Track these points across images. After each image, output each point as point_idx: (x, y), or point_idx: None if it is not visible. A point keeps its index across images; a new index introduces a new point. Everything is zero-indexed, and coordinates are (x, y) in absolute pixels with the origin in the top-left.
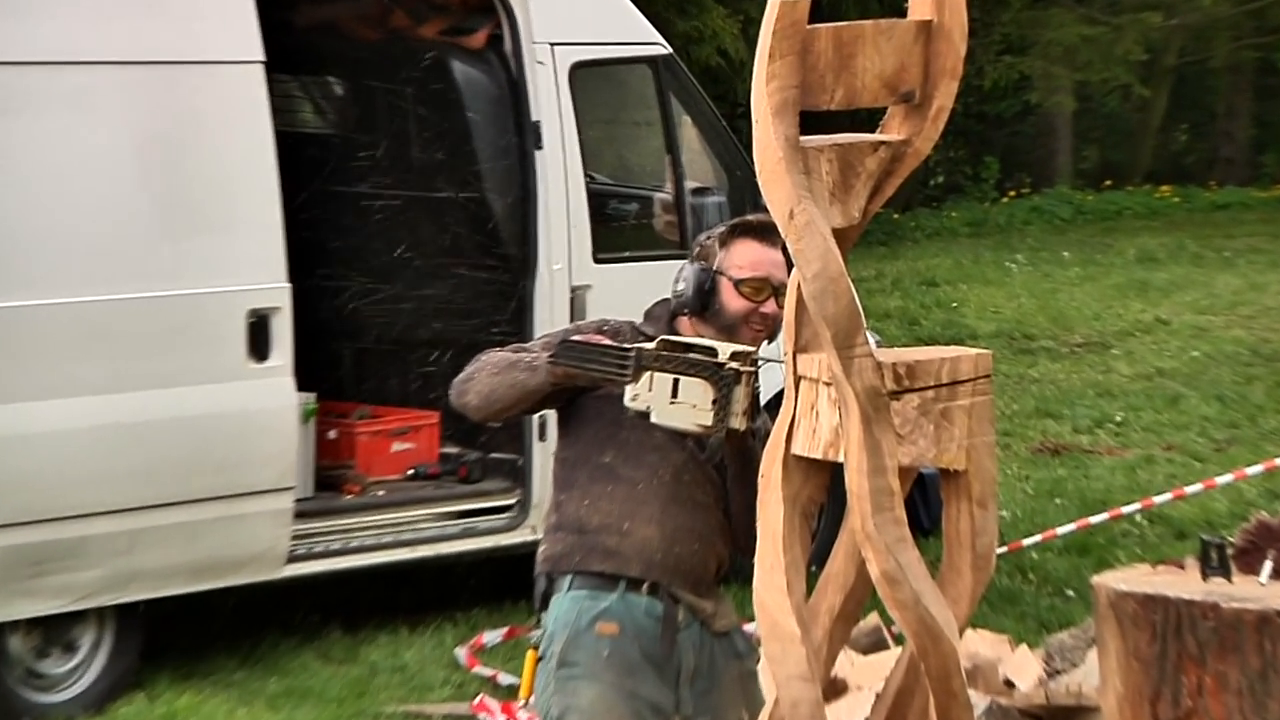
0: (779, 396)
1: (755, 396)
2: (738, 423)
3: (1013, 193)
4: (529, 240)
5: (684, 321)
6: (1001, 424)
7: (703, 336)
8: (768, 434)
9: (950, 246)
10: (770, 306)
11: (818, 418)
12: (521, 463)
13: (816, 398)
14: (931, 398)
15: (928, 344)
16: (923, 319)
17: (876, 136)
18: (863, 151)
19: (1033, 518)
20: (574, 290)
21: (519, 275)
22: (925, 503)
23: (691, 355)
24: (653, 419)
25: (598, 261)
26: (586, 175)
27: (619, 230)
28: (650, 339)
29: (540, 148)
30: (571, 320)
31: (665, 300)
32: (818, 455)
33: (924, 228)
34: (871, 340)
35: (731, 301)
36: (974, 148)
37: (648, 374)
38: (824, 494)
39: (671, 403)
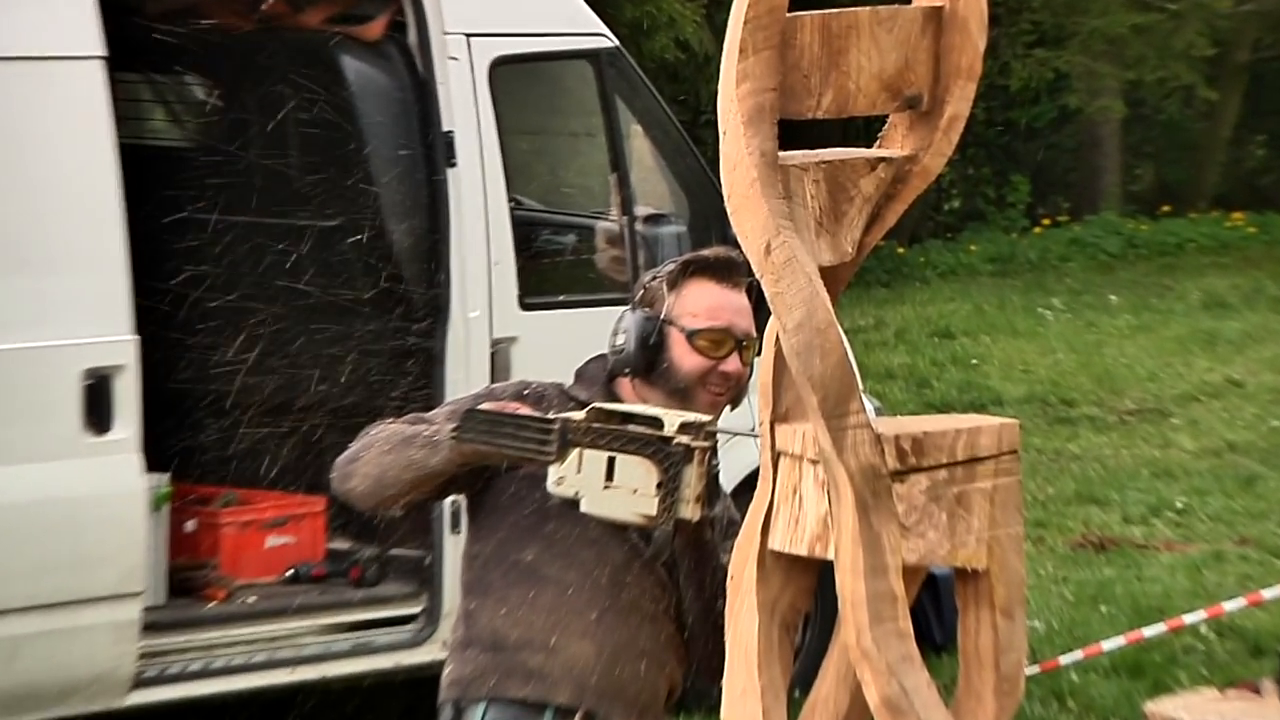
0: (753, 478)
1: (712, 478)
2: (688, 511)
3: (1047, 221)
4: (439, 281)
5: (625, 384)
6: (1033, 512)
7: (649, 402)
8: (732, 524)
9: (969, 288)
10: (732, 364)
11: (801, 504)
12: (429, 561)
13: (800, 479)
14: (944, 479)
15: (940, 411)
16: (934, 380)
17: (875, 151)
18: (857, 170)
19: (1072, 629)
20: (495, 344)
21: (426, 325)
22: (937, 611)
23: (630, 427)
24: (583, 507)
25: (525, 308)
26: (511, 199)
27: (552, 268)
28: (582, 405)
29: (453, 165)
30: (493, 381)
31: (602, 357)
32: (801, 551)
33: (936, 264)
34: (869, 407)
35: (684, 358)
36: (998, 165)
37: (576, 451)
38: (809, 600)
39: (606, 487)
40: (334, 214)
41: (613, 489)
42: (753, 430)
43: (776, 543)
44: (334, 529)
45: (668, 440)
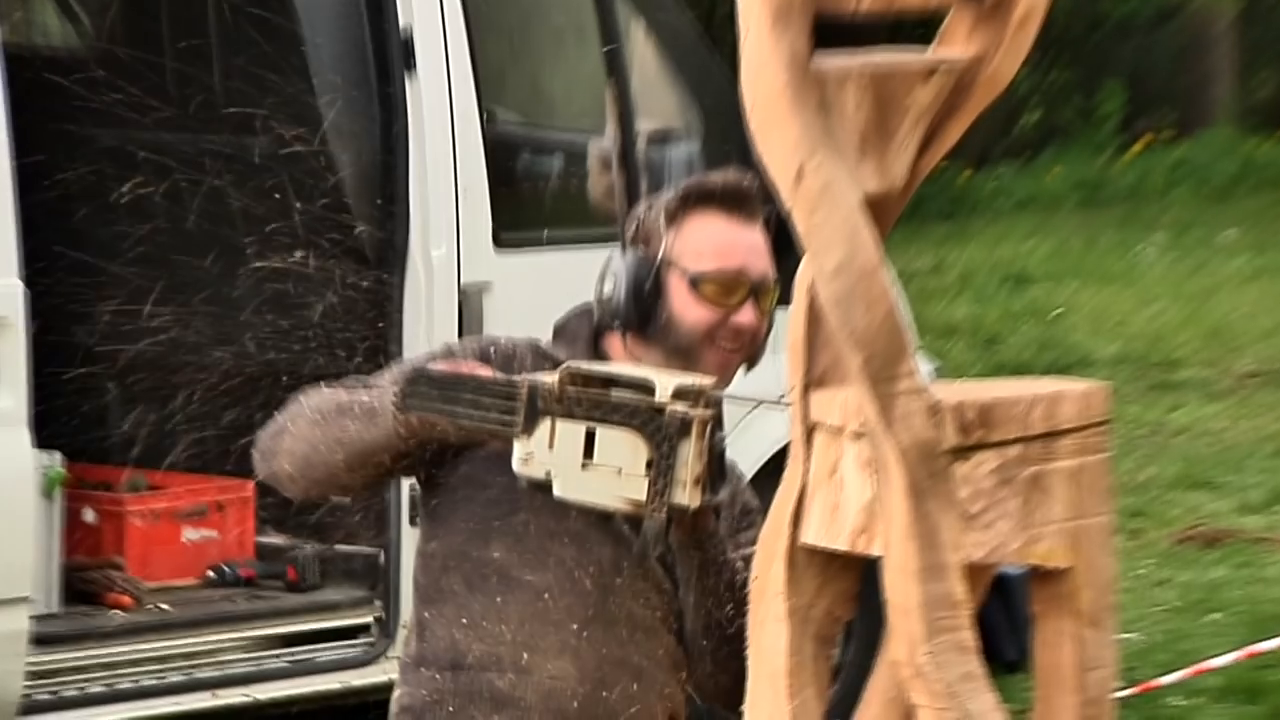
0: (782, 456)
1: (717, 455)
2: (685, 496)
3: (1148, 138)
4: (393, 214)
5: (615, 341)
6: (1127, 498)
7: (643, 363)
8: (746, 513)
9: (1049, 222)
10: (746, 315)
11: (841, 488)
12: (383, 560)
13: (839, 458)
14: (1017, 457)
15: (1013, 374)
16: (1007, 335)
17: (932, 54)
18: (911, 77)
19: (1176, 643)
20: (464, 291)
21: (378, 269)
22: (1009, 619)
23: (614, 393)
24: (556, 491)
25: (501, 247)
26: (484, 113)
27: (534, 198)
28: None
29: (411, 71)
30: (461, 336)
31: (586, 309)
32: (841, 547)
33: (1009, 193)
34: (925, 369)
35: (687, 309)
36: (1087, 70)
37: (547, 422)
38: (850, 607)
39: (584, 466)
40: (263, 132)
41: (592, 469)
42: (781, 398)
43: (810, 536)
44: (265, 520)
45: (659, 409)
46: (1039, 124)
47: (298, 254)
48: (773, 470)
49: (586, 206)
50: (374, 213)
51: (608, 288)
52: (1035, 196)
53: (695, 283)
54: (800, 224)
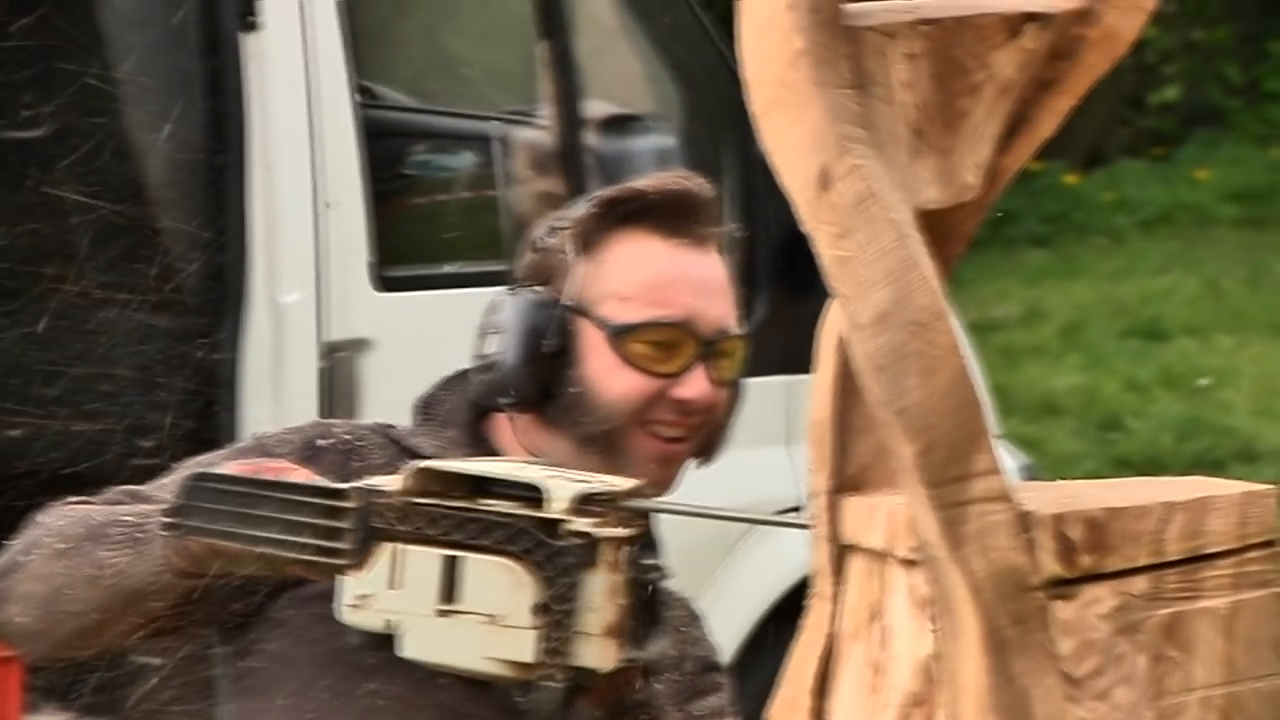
0: (797, 594)
1: (641, 592)
2: (593, 655)
3: None
4: (225, 242)
5: (502, 425)
6: None
7: (544, 456)
8: (706, 670)
9: (1195, 247)
10: (695, 385)
11: (887, 641)
12: None
13: (883, 595)
14: (1145, 593)
15: (1141, 472)
16: (1131, 415)
17: (1018, 1)
18: (987, 37)
19: None
20: (330, 351)
21: (201, 321)
22: None
23: (485, 504)
24: (405, 650)
25: (386, 286)
26: (359, 89)
27: (433, 215)
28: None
29: (251, 27)
30: (328, 415)
31: (461, 378)
32: None
33: (1135, 206)
34: (1011, 466)
35: (607, 378)
36: (1247, 25)
37: (388, 549)
38: None
39: (443, 613)
40: (39, 125)
41: (455, 618)
42: (795, 514)
43: (843, 711)
44: (38, 691)
45: (553, 526)
46: (1179, 104)
47: (74, 298)
48: (789, 612)
49: (511, 226)
50: (194, 238)
51: (492, 347)
52: (1174, 211)
53: (619, 338)
54: (826, 252)
